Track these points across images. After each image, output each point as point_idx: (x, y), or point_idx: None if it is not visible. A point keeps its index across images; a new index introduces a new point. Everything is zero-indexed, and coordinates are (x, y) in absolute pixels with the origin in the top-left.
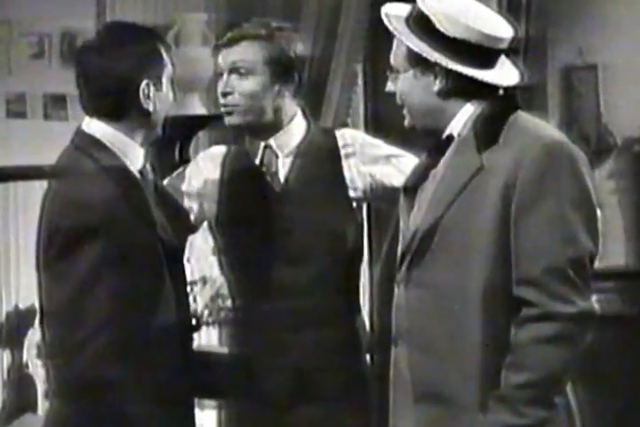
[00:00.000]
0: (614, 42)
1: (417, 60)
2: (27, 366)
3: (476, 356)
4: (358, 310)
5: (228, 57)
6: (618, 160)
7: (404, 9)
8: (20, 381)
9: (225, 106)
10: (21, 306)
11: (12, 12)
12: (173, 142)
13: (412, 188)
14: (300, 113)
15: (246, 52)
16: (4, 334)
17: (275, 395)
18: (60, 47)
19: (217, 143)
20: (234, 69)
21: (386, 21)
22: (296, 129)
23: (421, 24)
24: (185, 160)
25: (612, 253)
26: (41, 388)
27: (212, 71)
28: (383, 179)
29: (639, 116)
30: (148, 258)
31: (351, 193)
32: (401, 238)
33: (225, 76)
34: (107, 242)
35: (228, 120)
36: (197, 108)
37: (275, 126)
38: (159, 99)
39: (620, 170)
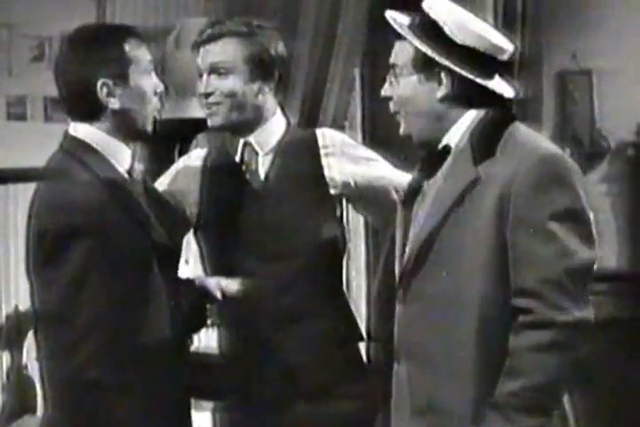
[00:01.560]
0: (608, 47)
1: (423, 65)
2: (26, 367)
3: (471, 368)
4: (344, 303)
5: (207, 57)
6: (611, 164)
7: (405, 17)
8: (20, 382)
9: (208, 105)
10: (21, 307)
11: (13, 15)
12: (172, 145)
13: (409, 201)
14: (279, 111)
15: (226, 51)
16: (3, 335)
17: (267, 394)
18: None
19: (215, 144)
20: (214, 70)
21: (394, 26)
22: (275, 126)
23: (428, 30)
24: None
25: (605, 256)
26: (40, 389)
27: None
28: (363, 178)
29: (633, 120)
30: (138, 258)
31: (331, 191)
32: (398, 253)
33: (205, 76)
34: (93, 243)
35: (211, 122)
36: (196, 110)
37: (254, 124)
38: (127, 96)
39: (614, 173)
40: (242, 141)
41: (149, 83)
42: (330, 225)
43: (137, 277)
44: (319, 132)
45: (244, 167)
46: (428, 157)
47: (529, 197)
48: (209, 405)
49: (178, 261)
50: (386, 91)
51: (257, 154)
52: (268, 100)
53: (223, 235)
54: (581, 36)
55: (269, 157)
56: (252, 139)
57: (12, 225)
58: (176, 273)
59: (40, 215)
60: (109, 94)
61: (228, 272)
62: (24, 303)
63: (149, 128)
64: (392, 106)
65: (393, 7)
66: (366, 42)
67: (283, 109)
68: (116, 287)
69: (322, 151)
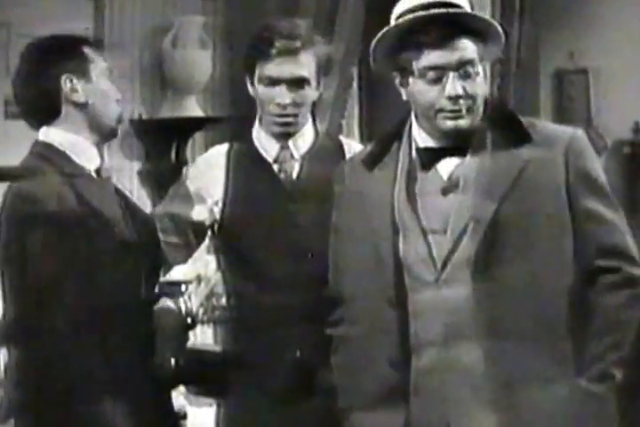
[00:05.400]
0: (605, 46)
1: (481, 62)
2: None
3: (567, 339)
4: None
5: (287, 68)
6: (608, 162)
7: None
8: None
9: (283, 116)
10: None
11: (10, 15)
12: (170, 144)
13: (412, 190)
14: (310, 117)
15: (306, 64)
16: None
17: (277, 390)
18: None
19: (213, 145)
20: (294, 81)
21: (492, 23)
22: (309, 132)
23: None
24: (181, 162)
25: None
26: None
27: (209, 74)
28: None
29: (629, 118)
30: (100, 251)
31: None
32: (413, 237)
33: (285, 87)
34: (50, 230)
35: (283, 130)
36: (194, 109)
37: (299, 129)
38: (90, 91)
39: (610, 171)
40: (278, 145)
41: (110, 85)
42: None
43: (98, 270)
44: (345, 142)
45: (276, 167)
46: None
47: (590, 166)
48: (208, 401)
49: (149, 260)
50: (459, 89)
51: (293, 157)
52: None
53: (249, 232)
54: (578, 36)
55: (301, 161)
56: (290, 143)
57: None
58: (140, 265)
59: (3, 205)
60: (73, 89)
61: (249, 269)
62: None
63: (116, 128)
64: (467, 103)
65: (390, 6)
66: (364, 41)
67: (314, 117)
68: (71, 271)
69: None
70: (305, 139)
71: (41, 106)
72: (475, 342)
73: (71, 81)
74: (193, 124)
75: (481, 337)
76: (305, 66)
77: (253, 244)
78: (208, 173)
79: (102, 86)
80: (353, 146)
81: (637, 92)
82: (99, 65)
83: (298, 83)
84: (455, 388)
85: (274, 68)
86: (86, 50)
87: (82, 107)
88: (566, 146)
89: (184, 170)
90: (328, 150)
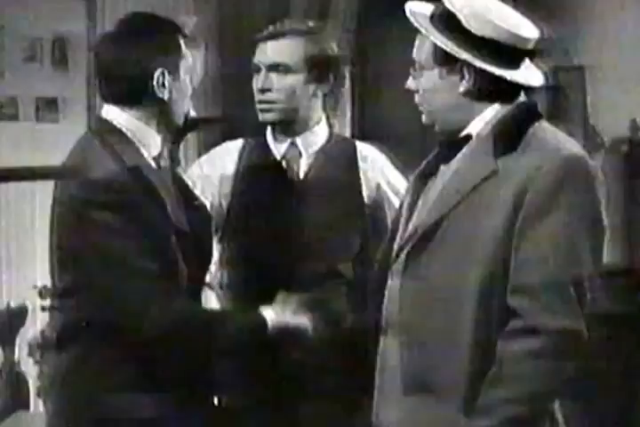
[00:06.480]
0: (601, 43)
1: (443, 59)
2: (18, 363)
3: (465, 356)
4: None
5: (267, 54)
6: (605, 160)
7: (428, 7)
8: (12, 378)
9: (262, 102)
10: (13, 304)
11: (4, 17)
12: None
13: (423, 178)
14: (324, 117)
15: (288, 49)
16: None
17: (275, 391)
18: (52, 51)
19: (206, 145)
20: (273, 67)
21: (411, 19)
22: (321, 131)
23: (447, 22)
24: (174, 162)
25: None
26: (33, 386)
27: (202, 74)
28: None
29: (626, 116)
30: (158, 234)
31: (365, 201)
32: (401, 228)
33: (263, 72)
34: (113, 216)
35: (262, 117)
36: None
37: (304, 125)
38: (176, 88)
39: (608, 170)
40: (289, 141)
41: (189, 81)
42: (358, 230)
43: (155, 249)
44: (360, 146)
45: (284, 164)
46: (447, 142)
47: (548, 196)
48: None
49: (200, 249)
50: (410, 84)
51: (301, 155)
52: (319, 105)
53: (254, 227)
54: (574, 33)
55: (310, 160)
56: (298, 140)
57: (3, 224)
58: (197, 256)
59: (64, 190)
60: (162, 84)
61: (249, 265)
62: (16, 300)
63: (181, 125)
64: (416, 98)
65: (384, 6)
66: (356, 40)
67: (328, 117)
68: (134, 255)
69: (361, 164)
70: (315, 137)
71: (123, 88)
72: (395, 337)
73: (163, 76)
74: (185, 124)
75: (397, 333)
76: (287, 52)
77: (258, 240)
78: (220, 167)
79: (186, 84)
80: (366, 151)
81: (635, 90)
82: (188, 60)
83: (276, 68)
84: (382, 376)
85: (257, 54)
86: (182, 42)
87: (162, 102)
88: (542, 168)
89: (178, 170)
90: (341, 153)
